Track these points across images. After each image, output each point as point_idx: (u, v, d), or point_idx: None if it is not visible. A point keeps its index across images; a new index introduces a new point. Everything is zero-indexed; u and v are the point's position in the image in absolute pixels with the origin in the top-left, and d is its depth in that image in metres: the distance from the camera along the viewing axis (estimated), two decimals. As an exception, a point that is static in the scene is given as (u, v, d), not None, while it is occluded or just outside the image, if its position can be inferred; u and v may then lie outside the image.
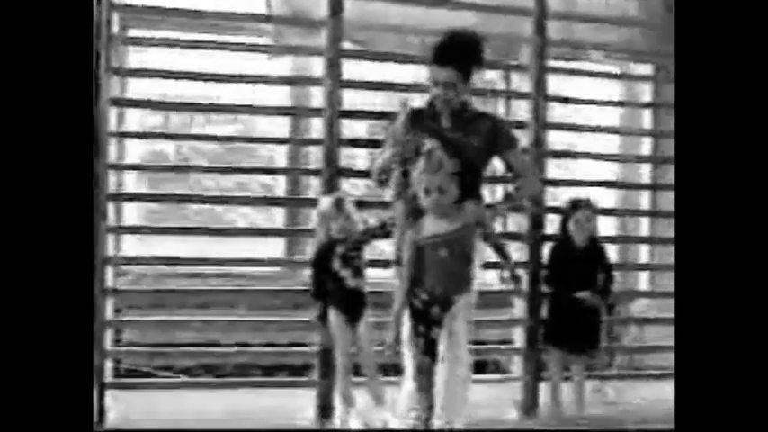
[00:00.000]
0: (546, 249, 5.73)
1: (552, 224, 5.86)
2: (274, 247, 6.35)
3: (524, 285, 5.18)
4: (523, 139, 5.48)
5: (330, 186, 5.38)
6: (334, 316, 4.83)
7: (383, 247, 4.89)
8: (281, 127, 6.38)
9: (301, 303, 5.17)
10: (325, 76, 5.40)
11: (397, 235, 4.30)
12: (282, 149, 6.57)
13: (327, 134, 5.42)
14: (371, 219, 5.00)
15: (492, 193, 5.77)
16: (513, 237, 5.84)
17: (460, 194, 4.10)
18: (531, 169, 4.73)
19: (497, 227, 4.81)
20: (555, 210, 5.86)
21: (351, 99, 5.53)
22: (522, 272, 5.07)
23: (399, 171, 4.32)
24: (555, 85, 6.01)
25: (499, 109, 6.46)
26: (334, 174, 5.41)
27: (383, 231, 4.59)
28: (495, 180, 5.66)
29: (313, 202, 5.40)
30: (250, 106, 5.68)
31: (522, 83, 6.06)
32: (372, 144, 5.37)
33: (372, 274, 4.94)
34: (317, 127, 5.82)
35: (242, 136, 6.44)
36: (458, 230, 4.10)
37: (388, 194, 4.53)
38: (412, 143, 4.23)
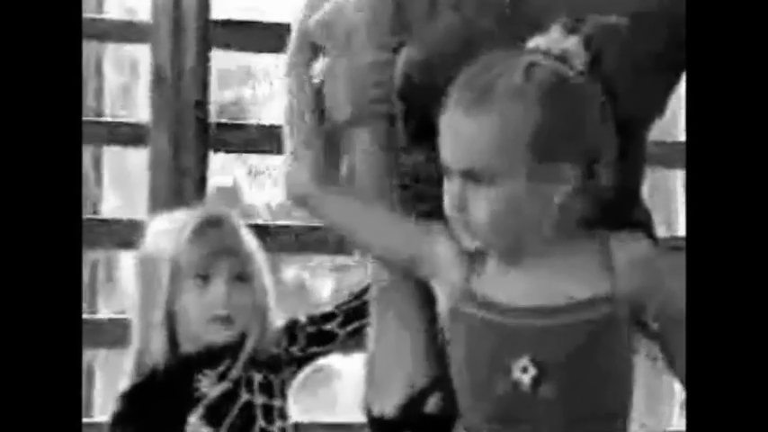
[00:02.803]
0: None
1: None
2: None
3: None
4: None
5: (179, 180, 3.19)
6: None
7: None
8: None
9: None
10: None
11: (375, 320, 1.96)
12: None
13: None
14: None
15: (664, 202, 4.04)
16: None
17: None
18: None
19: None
20: None
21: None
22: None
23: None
24: None
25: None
26: (197, 132, 3.22)
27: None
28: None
29: (123, 230, 3.27)
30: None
31: None
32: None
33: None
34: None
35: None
36: (578, 311, 1.65)
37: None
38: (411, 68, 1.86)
